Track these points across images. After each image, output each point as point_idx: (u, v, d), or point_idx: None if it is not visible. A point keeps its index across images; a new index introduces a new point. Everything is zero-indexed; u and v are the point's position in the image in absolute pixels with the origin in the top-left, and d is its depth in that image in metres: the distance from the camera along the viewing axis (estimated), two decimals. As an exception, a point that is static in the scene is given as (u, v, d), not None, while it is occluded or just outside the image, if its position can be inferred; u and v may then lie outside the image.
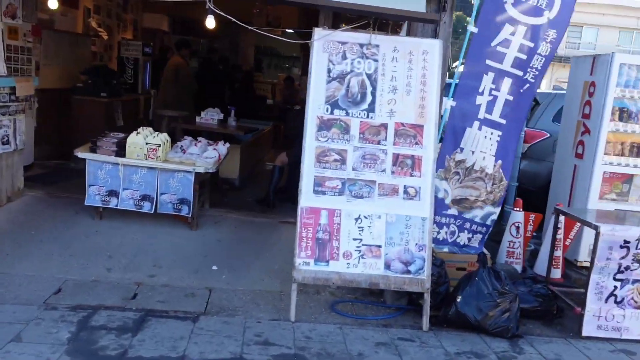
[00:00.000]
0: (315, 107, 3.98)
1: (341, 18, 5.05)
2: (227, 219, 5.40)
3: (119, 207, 4.93)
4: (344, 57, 4.03)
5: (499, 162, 4.58)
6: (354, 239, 3.86)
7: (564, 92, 8.25)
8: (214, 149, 5.08)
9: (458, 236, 4.57)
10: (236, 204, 5.99)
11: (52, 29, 7.11)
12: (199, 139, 5.29)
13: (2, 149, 5.10)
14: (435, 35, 4.80)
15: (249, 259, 4.64)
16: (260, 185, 7.00)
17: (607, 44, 30.59)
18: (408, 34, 4.87)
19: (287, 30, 12.17)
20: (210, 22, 4.08)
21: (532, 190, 6.57)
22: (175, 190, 4.88)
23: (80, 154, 4.91)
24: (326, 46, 4.03)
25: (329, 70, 4.02)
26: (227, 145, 5.28)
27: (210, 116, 6.54)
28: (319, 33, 4.03)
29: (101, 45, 8.90)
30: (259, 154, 8.07)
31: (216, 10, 4.08)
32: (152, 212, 4.91)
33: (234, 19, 4.14)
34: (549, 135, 6.86)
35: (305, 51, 12.50)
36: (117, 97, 7.34)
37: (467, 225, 4.63)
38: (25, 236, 4.59)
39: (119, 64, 8.46)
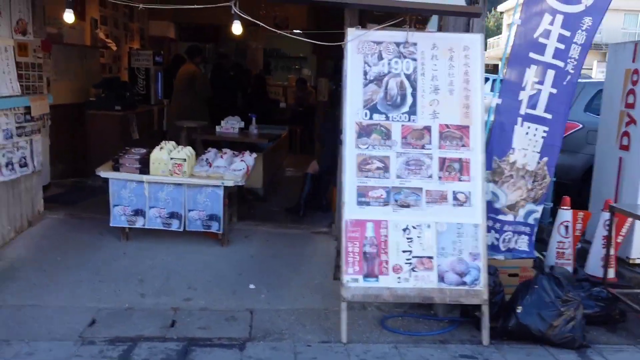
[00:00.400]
0: (353, 113, 3.75)
1: (368, 17, 4.80)
2: (257, 232, 5.16)
3: (146, 227, 4.70)
4: (380, 58, 3.80)
5: (545, 159, 4.32)
6: (404, 251, 3.62)
7: (594, 80, 8.00)
8: (242, 160, 4.84)
9: (508, 240, 4.32)
10: (264, 215, 5.76)
11: (61, 43, 6.89)
12: (224, 150, 5.05)
13: (20, 171, 4.87)
14: (468, 29, 4.55)
15: (286, 274, 4.41)
16: (284, 193, 6.79)
17: (613, 27, 30.19)
18: (439, 30, 4.63)
19: (295, 31, 11.95)
20: (236, 28, 3.85)
21: (566, 183, 6.31)
22: (204, 206, 4.65)
23: (103, 173, 4.68)
24: (360, 47, 3.79)
25: (365, 73, 3.78)
26: (254, 155, 5.04)
27: (230, 125, 6.30)
28: (352, 33, 3.79)
29: (110, 56, 8.67)
30: (279, 160, 7.84)
31: (242, 15, 3.85)
32: (181, 230, 4.68)
33: (260, 23, 3.91)
34: (581, 126, 6.60)
35: (318, 53, 12.29)
36: (132, 109, 7.12)
37: (512, 227, 4.38)
38: (50, 263, 4.38)
39: (130, 74, 8.24)
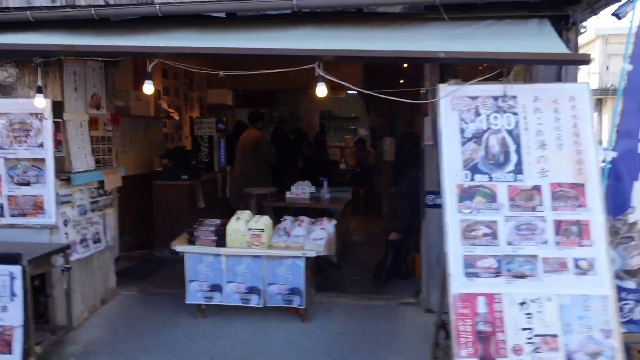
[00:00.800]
0: (452, 175, 3.42)
1: (448, 71, 4.56)
2: (338, 305, 4.80)
3: (223, 304, 4.42)
4: (477, 114, 3.49)
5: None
6: (523, 329, 3.16)
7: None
8: (322, 228, 4.55)
9: (629, 310, 3.80)
10: (341, 284, 5.41)
11: (127, 115, 6.94)
12: (301, 218, 4.78)
13: (94, 248, 4.73)
14: (559, 78, 4.26)
15: (379, 354, 3.99)
16: (355, 259, 6.44)
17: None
18: (529, 80, 4.33)
19: (350, 92, 11.94)
20: (321, 90, 3.68)
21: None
22: (284, 280, 4.35)
23: (179, 247, 4.48)
24: (455, 103, 3.51)
25: (462, 130, 3.48)
26: (333, 222, 4.75)
27: (301, 190, 6.08)
28: (445, 89, 3.52)
29: (172, 125, 8.76)
30: (346, 223, 7.53)
31: (326, 77, 3.68)
32: (261, 306, 4.37)
33: (346, 84, 3.73)
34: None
35: (374, 112, 12.24)
36: (197, 178, 7.02)
37: (634, 295, 3.85)
38: (127, 345, 4.12)
39: (193, 142, 8.24)
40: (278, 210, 6.18)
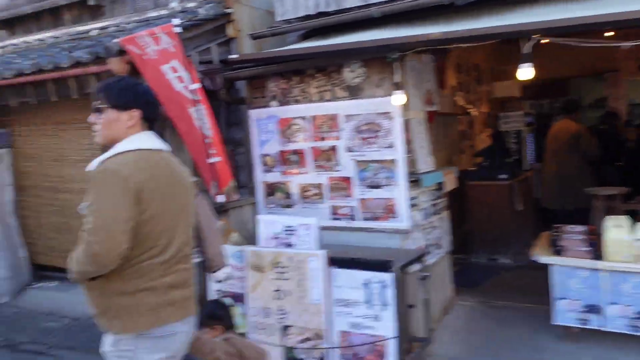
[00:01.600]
0: None
1: None
2: None
3: (603, 329, 3.64)
4: None
5: None
6: None
7: None
8: None
9: None
10: None
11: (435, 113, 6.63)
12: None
13: (437, 254, 4.41)
14: None
15: None
16: None
17: None
18: None
19: (667, 69, 9.87)
20: None
21: None
22: (692, 306, 3.38)
23: (544, 258, 3.84)
24: None
25: None
26: None
27: (669, 190, 4.92)
28: None
29: (465, 122, 8.23)
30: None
31: None
32: (659, 336, 3.48)
33: None
34: None
35: None
36: (516, 177, 6.34)
37: None
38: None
39: (496, 139, 7.56)
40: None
